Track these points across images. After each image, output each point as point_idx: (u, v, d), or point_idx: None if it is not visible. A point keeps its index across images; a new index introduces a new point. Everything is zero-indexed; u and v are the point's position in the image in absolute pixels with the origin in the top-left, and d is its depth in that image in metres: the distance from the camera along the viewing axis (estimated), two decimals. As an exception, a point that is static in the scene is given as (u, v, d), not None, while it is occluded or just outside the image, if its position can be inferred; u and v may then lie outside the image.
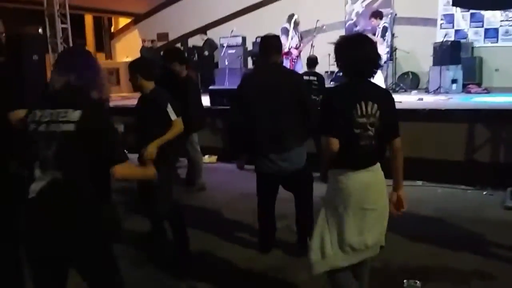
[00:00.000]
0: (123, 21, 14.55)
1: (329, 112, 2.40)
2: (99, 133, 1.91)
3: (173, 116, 3.44)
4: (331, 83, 8.84)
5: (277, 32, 8.22)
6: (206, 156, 6.99)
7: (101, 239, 2.00)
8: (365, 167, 2.41)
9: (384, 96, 2.48)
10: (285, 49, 7.68)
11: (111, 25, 14.91)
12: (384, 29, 7.58)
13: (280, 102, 3.38)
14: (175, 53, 5.49)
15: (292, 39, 7.80)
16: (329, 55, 9.49)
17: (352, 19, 10.67)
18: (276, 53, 3.57)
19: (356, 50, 2.39)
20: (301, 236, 3.65)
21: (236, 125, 3.62)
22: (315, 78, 6.04)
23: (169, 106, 3.45)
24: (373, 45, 2.48)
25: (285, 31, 7.85)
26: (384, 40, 7.51)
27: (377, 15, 7.71)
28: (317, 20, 9.05)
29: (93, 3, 12.25)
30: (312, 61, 6.30)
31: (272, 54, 3.55)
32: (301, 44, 7.93)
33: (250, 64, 10.57)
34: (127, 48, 13.65)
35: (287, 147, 3.39)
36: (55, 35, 8.89)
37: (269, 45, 3.58)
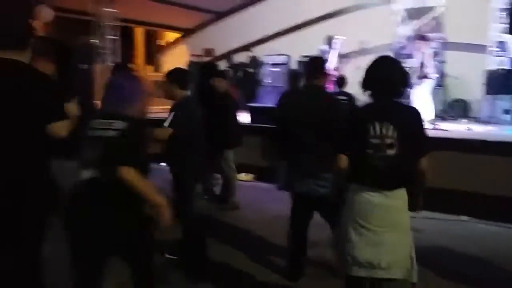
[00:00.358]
0: (172, 35, 14.85)
1: (346, 131, 2.50)
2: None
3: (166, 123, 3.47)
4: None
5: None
6: (243, 174, 6.90)
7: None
8: (379, 188, 2.35)
9: (408, 117, 2.41)
10: None
11: (161, 39, 15.25)
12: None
13: (315, 126, 3.28)
14: (213, 69, 5.49)
15: (330, 61, 7.69)
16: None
17: (401, 42, 10.40)
18: (319, 75, 3.48)
19: (374, 71, 2.43)
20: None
21: (278, 145, 3.57)
22: (345, 98, 5.98)
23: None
24: (397, 65, 2.48)
25: (323, 53, 7.78)
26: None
27: (423, 38, 7.49)
28: (362, 43, 8.92)
29: (143, 17, 12.57)
30: (341, 81, 6.26)
31: (314, 76, 3.46)
32: (340, 66, 7.78)
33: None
34: (175, 62, 13.85)
35: (325, 172, 3.24)
36: (104, 46, 9.13)
37: (312, 67, 3.53)
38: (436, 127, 6.92)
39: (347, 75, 7.54)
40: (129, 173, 2.18)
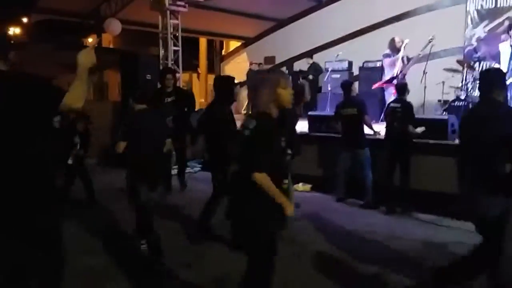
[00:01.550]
0: (233, 44, 15.02)
1: None
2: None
3: None
4: (444, 113, 8.10)
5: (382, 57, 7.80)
6: (300, 184, 6.73)
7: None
8: None
9: None
10: (386, 77, 7.28)
11: (222, 48, 15.47)
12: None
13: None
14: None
15: (395, 65, 7.32)
16: (443, 82, 8.78)
17: (472, 45, 9.75)
18: (496, 88, 3.17)
19: None
20: None
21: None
22: (399, 105, 5.75)
23: None
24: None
25: (385, 57, 7.43)
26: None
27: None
28: (432, 45, 8.44)
29: (205, 27, 12.79)
30: (401, 88, 5.94)
31: (492, 89, 3.17)
32: (404, 69, 7.38)
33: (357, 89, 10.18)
34: (236, 70, 13.99)
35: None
36: (167, 57, 9.35)
37: (489, 79, 3.25)
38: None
39: (413, 80, 7.18)
40: (259, 176, 2.42)
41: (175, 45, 9.44)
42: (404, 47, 7.36)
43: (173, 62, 9.33)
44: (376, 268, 3.85)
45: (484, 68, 9.15)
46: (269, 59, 12.99)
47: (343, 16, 11.34)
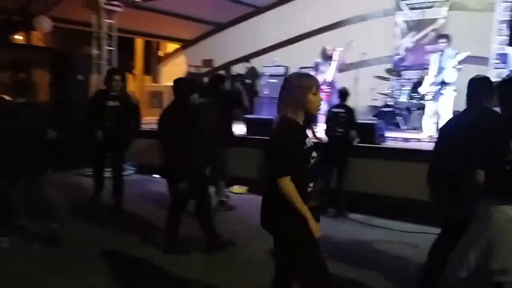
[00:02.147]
0: (171, 46, 14.86)
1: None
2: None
3: None
4: (375, 118, 8.50)
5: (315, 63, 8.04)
6: (236, 186, 6.78)
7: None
8: None
9: None
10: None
11: (160, 50, 15.26)
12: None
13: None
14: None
15: (325, 72, 7.57)
16: (373, 89, 9.22)
17: (400, 54, 10.33)
18: (485, 96, 3.32)
19: None
20: None
21: None
22: (343, 111, 5.90)
23: None
24: None
25: (315, 66, 7.68)
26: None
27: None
28: (363, 54, 8.82)
29: (142, 28, 12.56)
30: (342, 94, 6.12)
31: (482, 96, 3.34)
32: (337, 78, 7.63)
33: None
34: (173, 73, 13.85)
35: None
36: (100, 57, 9.08)
37: (478, 87, 3.40)
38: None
39: (346, 86, 7.45)
40: (283, 182, 2.35)
41: (109, 45, 9.19)
42: (337, 55, 7.62)
43: (107, 63, 9.07)
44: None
45: (410, 76, 9.74)
46: (208, 62, 12.97)
47: (280, 22, 11.58)
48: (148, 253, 4.44)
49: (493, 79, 8.16)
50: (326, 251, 4.19)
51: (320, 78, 7.58)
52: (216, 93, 5.75)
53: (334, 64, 7.62)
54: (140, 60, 15.78)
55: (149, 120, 7.22)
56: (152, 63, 15.14)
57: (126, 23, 10.10)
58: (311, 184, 2.51)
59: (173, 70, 14.02)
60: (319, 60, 7.74)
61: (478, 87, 3.38)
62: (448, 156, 3.32)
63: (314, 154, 2.50)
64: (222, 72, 12.05)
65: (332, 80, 7.51)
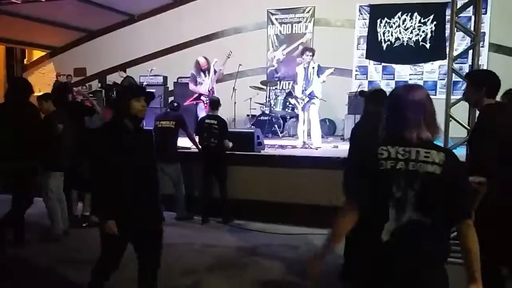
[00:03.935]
0: (37, 54, 13.80)
1: None
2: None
3: None
4: (252, 127, 8.83)
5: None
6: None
7: None
8: None
9: None
10: (195, 95, 7.66)
11: (24, 57, 14.08)
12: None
13: None
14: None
15: (202, 84, 7.69)
16: (251, 99, 9.59)
17: (273, 66, 10.91)
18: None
19: None
20: None
21: None
22: (215, 122, 6.03)
23: None
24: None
25: (192, 77, 7.76)
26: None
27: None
28: (239, 65, 9.13)
29: (3, 34, 11.49)
30: (214, 104, 6.25)
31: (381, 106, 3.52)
32: (213, 87, 7.77)
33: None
34: (41, 81, 12.89)
35: None
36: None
37: (377, 97, 4.06)
38: (306, 146, 7.29)
39: (224, 96, 7.63)
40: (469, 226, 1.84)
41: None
42: (213, 65, 7.75)
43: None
44: (194, 277, 4.00)
45: (284, 87, 10.34)
46: (80, 71, 12.33)
47: (156, 32, 11.49)
48: None
49: (354, 89, 9.14)
50: (212, 259, 4.28)
51: (198, 89, 7.67)
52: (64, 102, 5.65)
53: (211, 75, 7.73)
54: (2, 68, 14.40)
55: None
56: (16, 71, 13.90)
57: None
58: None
59: (40, 78, 13.06)
60: (193, 71, 7.78)
61: (376, 97, 4.03)
62: None
63: None
64: (95, 82, 11.60)
65: (209, 91, 7.62)
